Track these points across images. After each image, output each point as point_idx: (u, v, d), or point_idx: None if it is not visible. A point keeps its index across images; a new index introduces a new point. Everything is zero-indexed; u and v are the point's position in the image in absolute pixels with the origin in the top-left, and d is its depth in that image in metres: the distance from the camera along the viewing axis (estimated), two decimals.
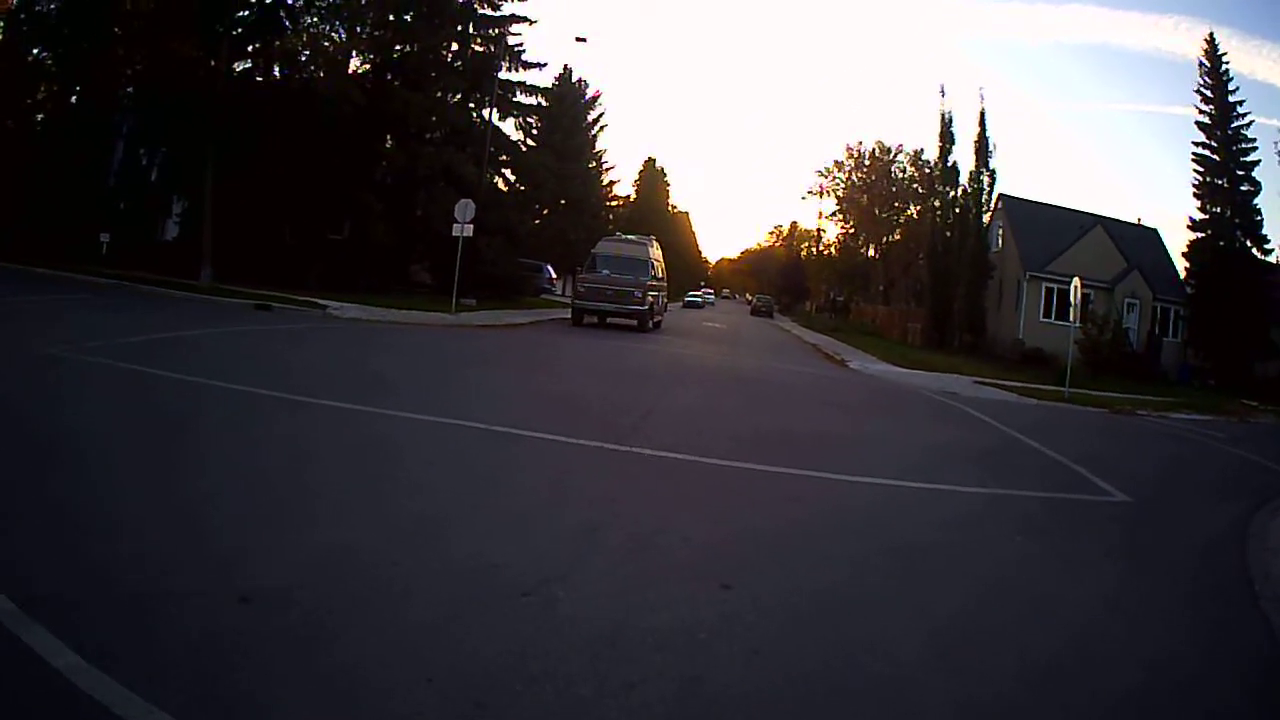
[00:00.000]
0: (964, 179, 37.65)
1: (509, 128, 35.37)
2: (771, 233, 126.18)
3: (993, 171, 36.48)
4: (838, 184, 64.01)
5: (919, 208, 57.35)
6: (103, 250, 24.18)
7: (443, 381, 11.34)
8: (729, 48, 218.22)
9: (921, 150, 59.14)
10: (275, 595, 3.76)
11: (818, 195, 64.99)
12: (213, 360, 10.77)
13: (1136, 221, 42.97)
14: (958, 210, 37.52)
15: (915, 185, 58.68)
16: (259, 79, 26.34)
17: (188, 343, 12.17)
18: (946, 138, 38.96)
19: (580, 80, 59.77)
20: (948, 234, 38.04)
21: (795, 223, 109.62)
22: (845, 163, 63.19)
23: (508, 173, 37.84)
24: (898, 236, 60.13)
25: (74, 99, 26.05)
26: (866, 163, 61.91)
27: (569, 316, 25.91)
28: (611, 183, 63.22)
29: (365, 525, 4.93)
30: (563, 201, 54.51)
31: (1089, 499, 8.45)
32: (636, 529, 5.39)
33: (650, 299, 24.57)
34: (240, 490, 5.39)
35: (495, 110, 33.65)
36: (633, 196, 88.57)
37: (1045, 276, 34.98)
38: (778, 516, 6.18)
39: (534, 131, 57.04)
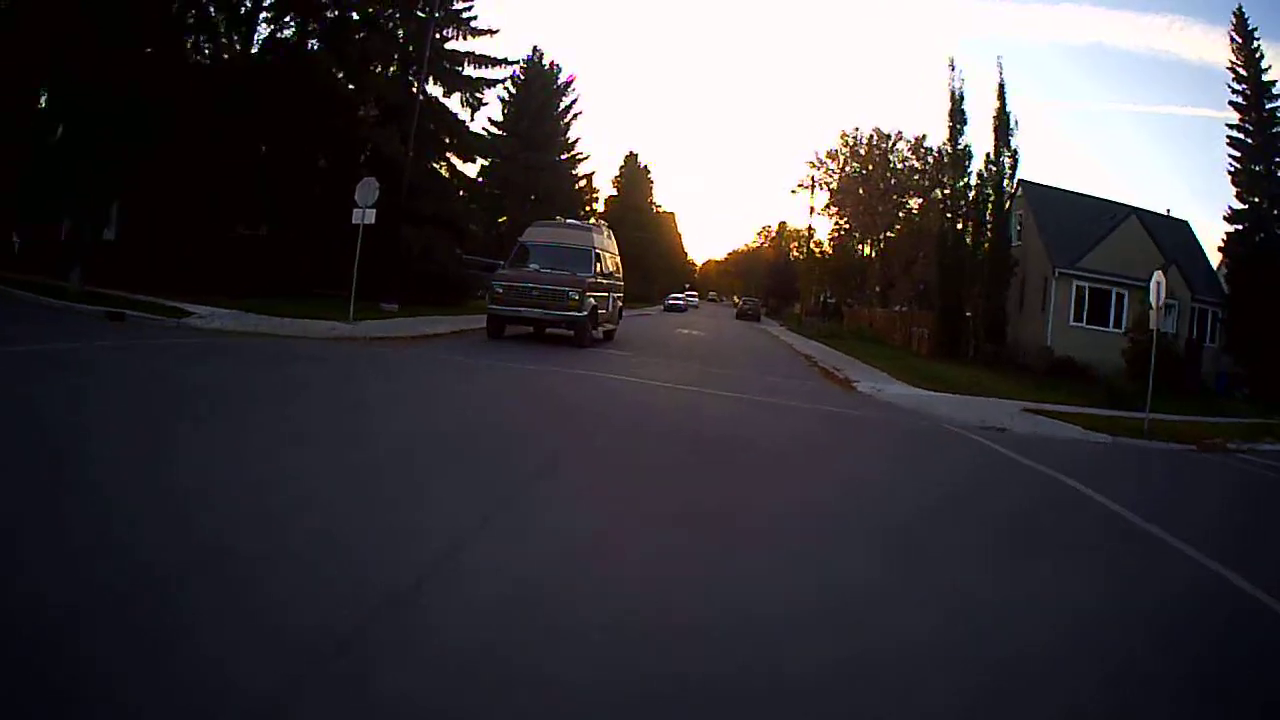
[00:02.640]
0: (978, 163, 32.86)
1: (455, 105, 30.46)
2: (759, 233, 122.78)
3: (1014, 152, 31.42)
4: (831, 175, 58.43)
5: (921, 201, 52.38)
6: (15, 251, 22.00)
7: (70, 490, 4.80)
8: (716, 42, 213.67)
9: (924, 136, 54.15)
10: None
11: (808, 188, 59.22)
12: None
13: (1166, 213, 38.36)
14: (972, 198, 32.57)
15: (918, 176, 53.47)
16: (166, 53, 21.85)
17: None
18: (957, 117, 34.00)
19: (553, 64, 55.12)
20: (960, 225, 33.14)
21: (783, 223, 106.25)
22: (840, 151, 57.50)
23: (456, 160, 33.01)
24: (897, 230, 54.76)
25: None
26: (862, 151, 56.34)
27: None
28: (586, 176, 58.21)
29: None
30: (531, 196, 49.67)
31: None
32: None
33: (592, 302, 19.22)
34: None
35: (436, 82, 29.01)
36: (614, 194, 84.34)
37: (1076, 274, 30.25)
38: None
39: (498, 119, 52.82)
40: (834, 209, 58.11)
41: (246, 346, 13.00)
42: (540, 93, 52.95)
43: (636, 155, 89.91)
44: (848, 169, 56.67)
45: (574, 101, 55.91)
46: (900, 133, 55.90)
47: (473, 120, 30.64)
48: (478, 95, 30.78)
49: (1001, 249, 30.81)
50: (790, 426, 11.93)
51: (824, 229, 65.14)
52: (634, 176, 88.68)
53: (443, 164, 30.47)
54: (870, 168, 54.85)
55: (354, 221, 18.61)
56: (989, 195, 31.76)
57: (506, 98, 53.53)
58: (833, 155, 57.76)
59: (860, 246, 59.29)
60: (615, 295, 22.43)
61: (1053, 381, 25.38)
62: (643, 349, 21.42)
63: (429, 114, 27.85)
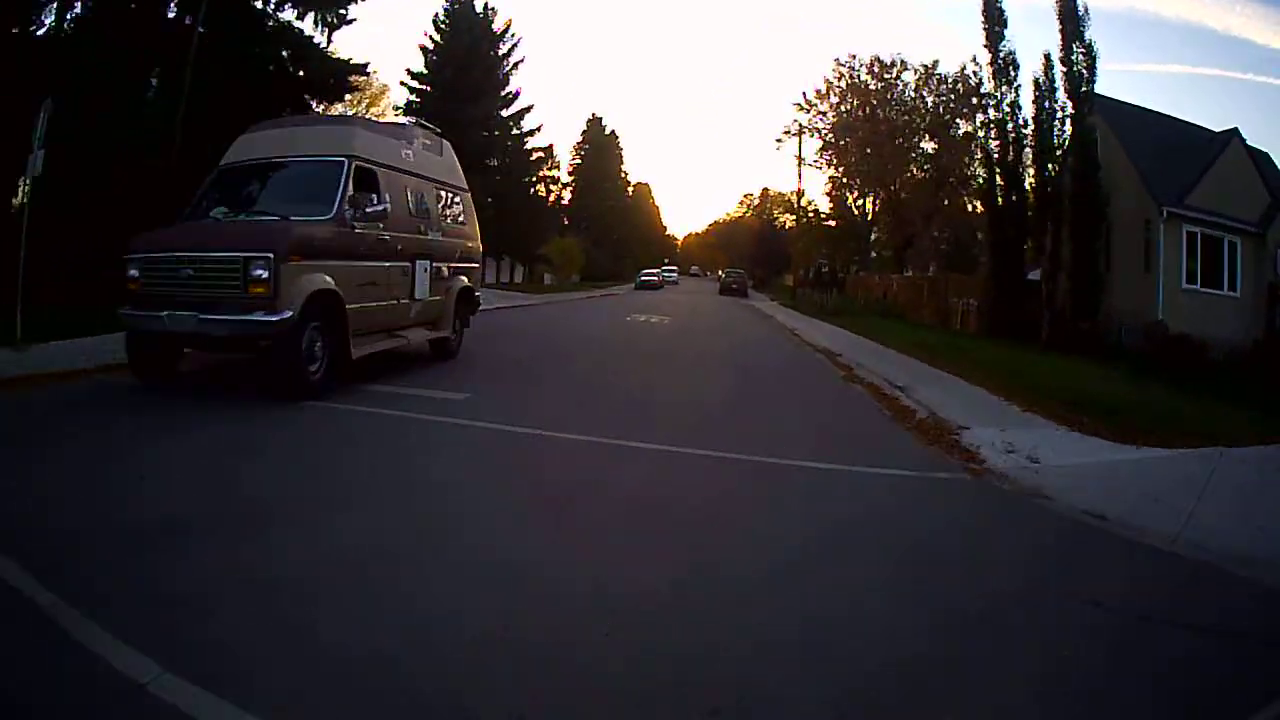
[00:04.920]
0: (1030, 74, 24.05)
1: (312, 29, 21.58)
2: (742, 201, 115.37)
3: (1089, 47, 22.34)
4: (823, 118, 47.53)
5: (938, 143, 43.02)
6: None
7: None
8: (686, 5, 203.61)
9: (935, 63, 44.80)
10: None
11: (796, 135, 48.62)
12: None
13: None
14: (1032, 115, 23.50)
15: (932, 111, 43.51)
16: None
17: None
18: (993, 17, 25.14)
19: (487, 7, 46.38)
20: (1012, 152, 24.13)
21: (766, 189, 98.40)
22: (834, 85, 46.82)
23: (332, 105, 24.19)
24: (910, 177, 44.91)
25: None
26: (862, 79, 45.55)
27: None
28: (531, 132, 49.35)
29: None
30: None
31: None
32: None
33: (326, 284, 8.47)
34: None
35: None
36: (577, 161, 75.89)
37: (1186, 215, 21.62)
38: None
39: (420, 71, 44.23)
40: (829, 154, 48.06)
41: None
42: (466, 36, 44.08)
43: (601, 119, 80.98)
44: (844, 106, 46.70)
45: (513, 48, 47.17)
46: (904, 60, 46.38)
47: (330, 43, 21.66)
48: (341, 12, 22.02)
49: (1088, 180, 21.80)
50: None
51: (816, 186, 55.77)
52: (599, 142, 79.84)
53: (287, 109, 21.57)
54: (873, 103, 44.94)
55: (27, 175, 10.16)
56: (1055, 110, 22.82)
57: (430, 46, 45.21)
58: (823, 95, 47.59)
59: (862, 201, 49.71)
60: (444, 266, 11.57)
61: (1181, 371, 16.92)
62: (518, 375, 11.52)
63: (249, 28, 19.13)
